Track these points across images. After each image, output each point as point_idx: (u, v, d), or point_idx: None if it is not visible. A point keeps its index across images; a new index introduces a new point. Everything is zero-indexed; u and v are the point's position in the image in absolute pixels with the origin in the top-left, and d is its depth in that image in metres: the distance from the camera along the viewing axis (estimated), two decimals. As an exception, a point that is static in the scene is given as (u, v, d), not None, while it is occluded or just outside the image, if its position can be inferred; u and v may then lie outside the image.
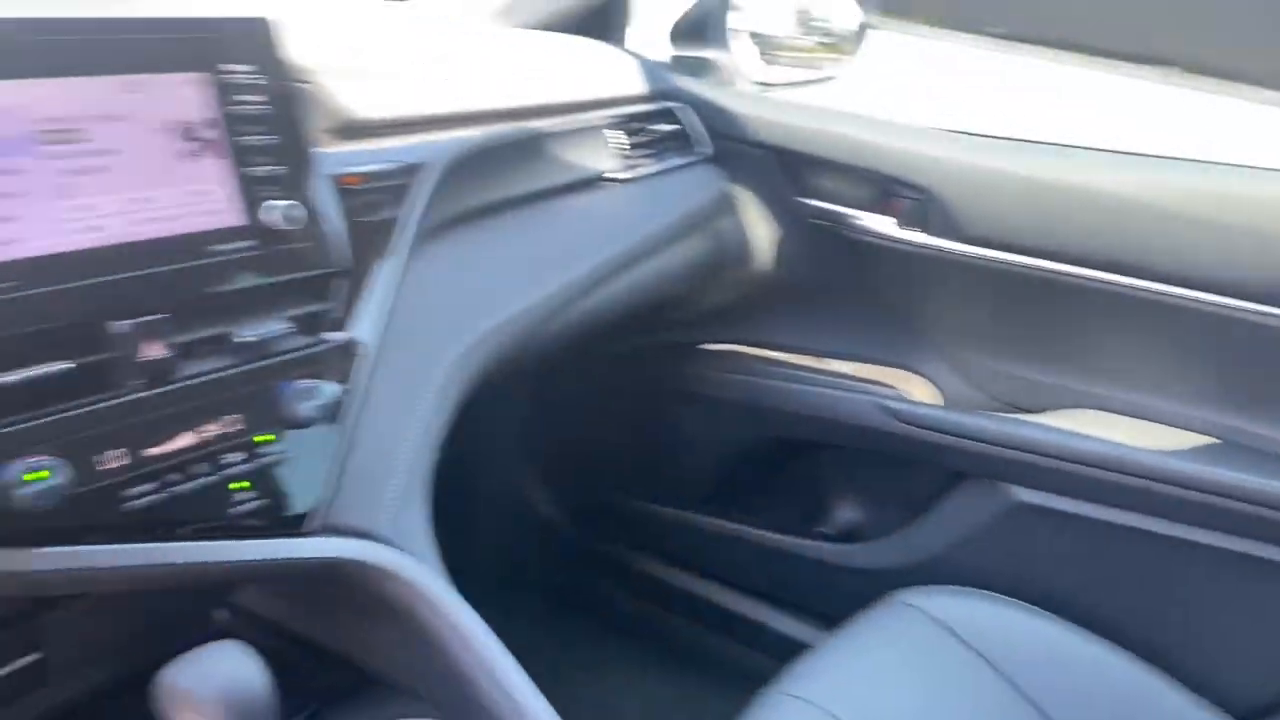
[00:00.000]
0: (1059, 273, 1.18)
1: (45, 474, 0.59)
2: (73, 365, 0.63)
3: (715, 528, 1.47)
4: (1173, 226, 1.12)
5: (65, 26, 0.65)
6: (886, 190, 1.26)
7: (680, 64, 1.42)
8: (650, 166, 1.22)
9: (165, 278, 0.68)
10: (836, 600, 1.23)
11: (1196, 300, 1.12)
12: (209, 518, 0.69)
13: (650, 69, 1.29)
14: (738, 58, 1.40)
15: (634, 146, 1.20)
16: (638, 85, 1.24)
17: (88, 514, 0.62)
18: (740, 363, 1.41)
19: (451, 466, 0.89)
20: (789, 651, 1.09)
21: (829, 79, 1.44)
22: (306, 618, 0.87)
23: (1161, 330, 1.17)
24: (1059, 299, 1.20)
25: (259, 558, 0.71)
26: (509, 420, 1.60)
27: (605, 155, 1.16)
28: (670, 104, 1.29)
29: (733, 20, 1.39)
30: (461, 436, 0.91)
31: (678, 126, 1.29)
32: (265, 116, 0.74)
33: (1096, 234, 1.16)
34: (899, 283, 1.30)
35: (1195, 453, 1.13)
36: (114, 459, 0.64)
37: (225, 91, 0.72)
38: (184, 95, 0.71)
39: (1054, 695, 1.03)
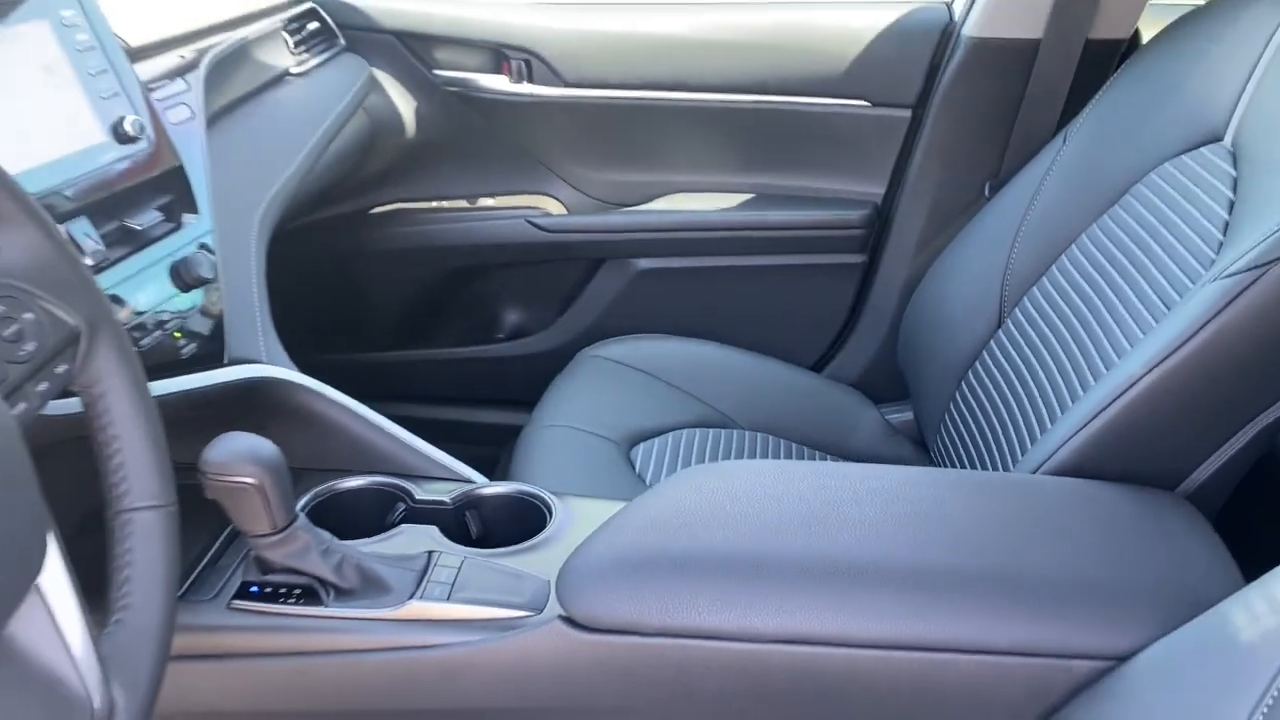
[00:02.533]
0: (636, 99, 1.62)
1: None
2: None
3: (411, 357, 1.79)
4: (702, 51, 1.60)
5: None
6: (498, 56, 1.61)
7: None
8: (312, 61, 1.45)
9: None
10: (528, 385, 1.59)
11: (721, 100, 1.62)
12: (169, 358, 0.91)
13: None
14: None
15: (296, 45, 1.43)
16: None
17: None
18: (408, 217, 1.71)
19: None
20: (509, 435, 1.44)
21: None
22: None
23: (705, 125, 1.65)
24: (639, 118, 1.64)
25: (206, 384, 0.94)
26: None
27: (284, 54, 1.39)
28: (307, 4, 1.51)
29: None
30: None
31: (319, 25, 1.52)
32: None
33: (654, 65, 1.61)
34: (521, 128, 1.67)
35: (742, 204, 1.66)
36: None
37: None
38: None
39: (680, 377, 1.50)
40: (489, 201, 1.72)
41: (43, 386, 0.60)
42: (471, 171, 1.71)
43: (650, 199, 1.70)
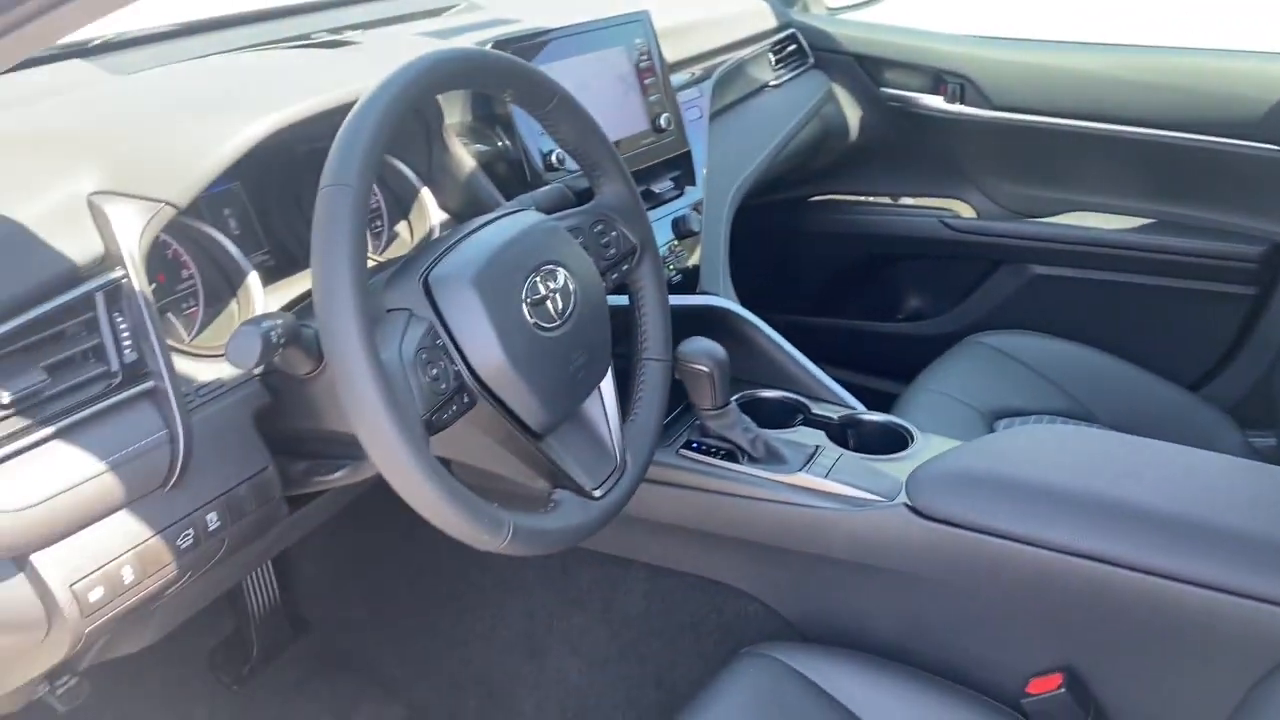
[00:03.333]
0: (1053, 124, 1.84)
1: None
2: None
3: (821, 323, 2.14)
4: (1123, 88, 1.79)
5: None
6: (937, 78, 1.91)
7: (774, -1, 2.04)
8: (786, 75, 1.85)
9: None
10: (915, 362, 1.86)
11: (1136, 133, 1.79)
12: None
13: (775, 6, 1.90)
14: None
15: (776, 63, 1.83)
16: (772, 20, 1.86)
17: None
18: (840, 206, 2.07)
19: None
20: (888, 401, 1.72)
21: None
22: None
23: (1117, 154, 1.83)
24: (1055, 141, 1.86)
25: (684, 303, 1.35)
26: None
27: (766, 70, 1.79)
28: (789, 30, 1.91)
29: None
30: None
31: (795, 46, 1.91)
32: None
33: (1076, 96, 1.82)
34: (947, 140, 1.96)
35: (1141, 228, 1.83)
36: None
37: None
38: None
39: (1054, 372, 1.70)
40: (909, 200, 2.03)
41: (614, 276, 1.02)
42: (898, 174, 2.02)
43: (1054, 213, 1.91)
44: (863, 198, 2.07)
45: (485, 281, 0.85)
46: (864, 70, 1.95)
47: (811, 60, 1.94)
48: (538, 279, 0.89)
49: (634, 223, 1.04)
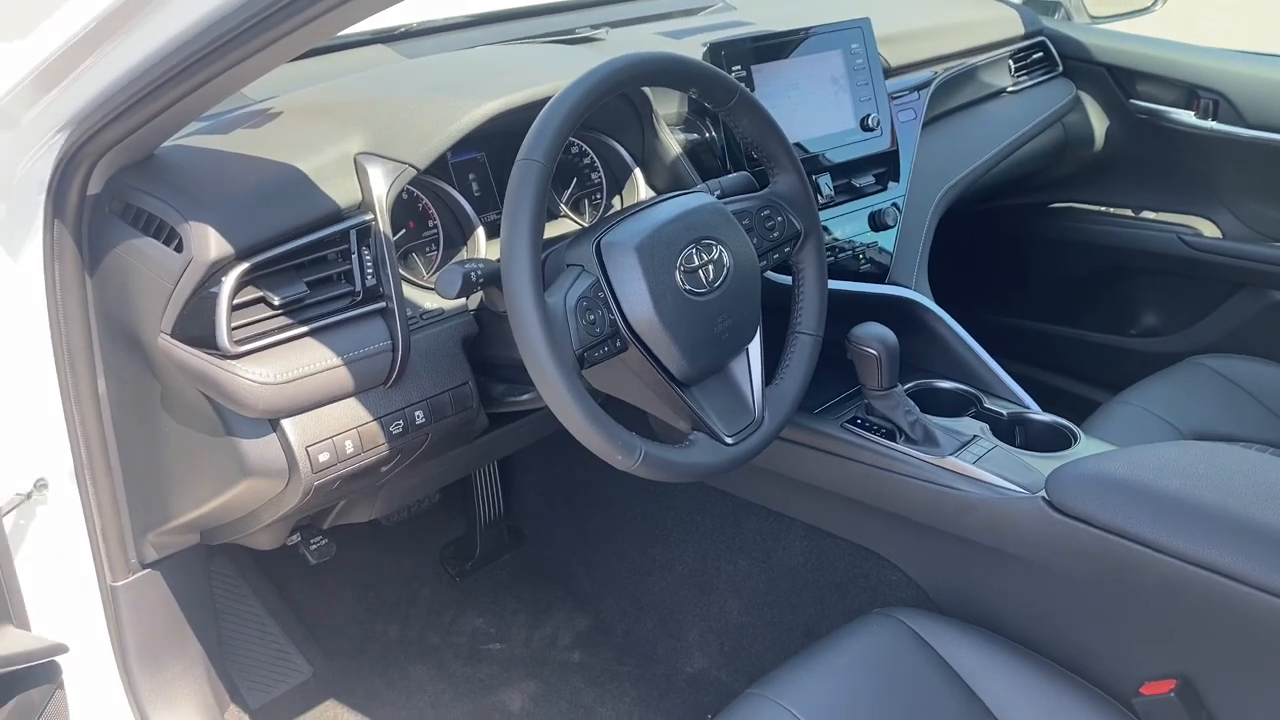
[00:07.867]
0: (1314, 146, 1.76)
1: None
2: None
3: (1057, 332, 2.14)
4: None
5: None
6: (1190, 93, 1.87)
7: (1033, 5, 2.06)
8: (1028, 82, 1.88)
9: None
10: (1138, 377, 1.83)
11: None
12: (851, 269, 1.45)
13: (1025, 14, 1.93)
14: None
15: (1017, 69, 1.87)
16: (1020, 28, 1.90)
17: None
18: (1078, 215, 2.06)
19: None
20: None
21: (1149, 11, 2.04)
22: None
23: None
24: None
25: (870, 291, 1.46)
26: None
27: (1004, 76, 1.83)
28: (1038, 38, 1.93)
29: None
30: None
31: (1042, 54, 1.93)
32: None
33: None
34: (1195, 155, 1.91)
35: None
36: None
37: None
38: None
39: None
40: (1149, 214, 1.99)
41: (775, 257, 1.16)
42: (1141, 187, 1.99)
43: (1307, 239, 1.83)
44: (1104, 209, 2.05)
45: (646, 248, 1.02)
46: (1115, 81, 1.94)
47: (1060, 68, 1.95)
48: (694, 250, 1.05)
49: (801, 211, 1.18)
